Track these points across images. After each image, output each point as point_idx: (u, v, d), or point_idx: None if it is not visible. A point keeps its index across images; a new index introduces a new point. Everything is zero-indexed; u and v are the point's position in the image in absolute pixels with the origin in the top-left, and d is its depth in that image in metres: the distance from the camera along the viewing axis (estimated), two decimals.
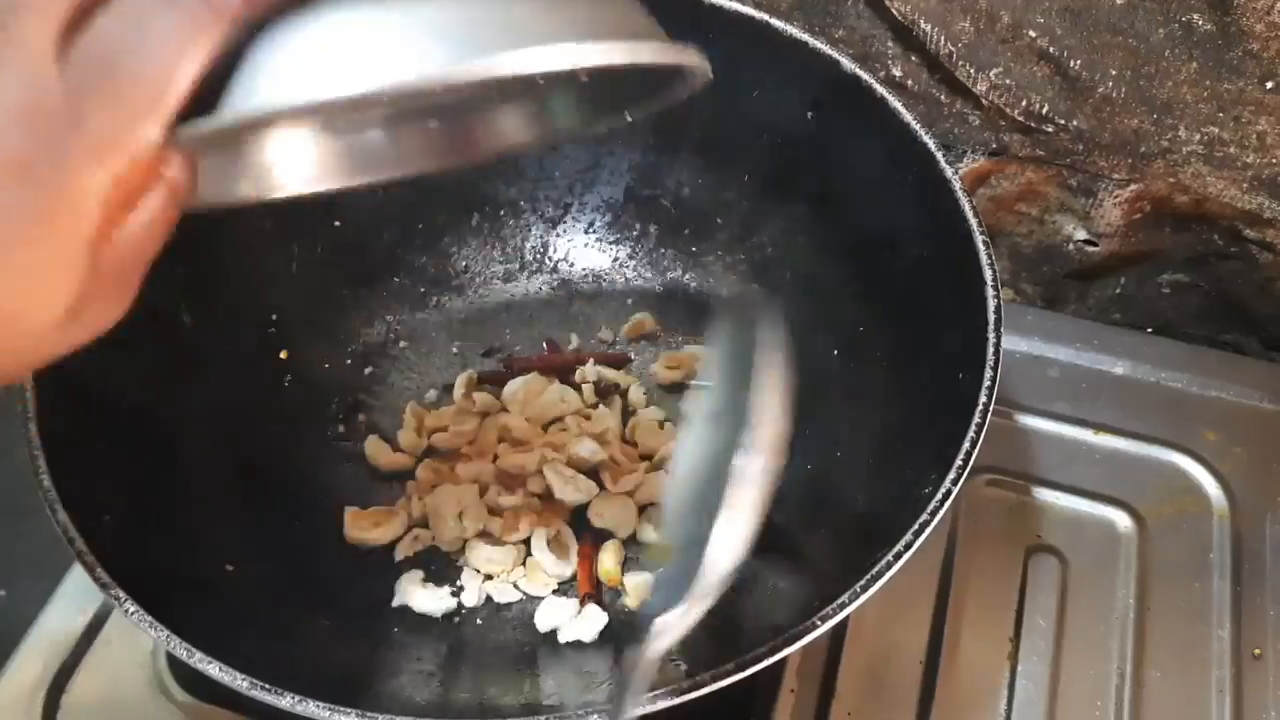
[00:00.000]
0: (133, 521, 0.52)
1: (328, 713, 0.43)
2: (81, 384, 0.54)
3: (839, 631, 0.63)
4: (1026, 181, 0.76)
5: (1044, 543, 0.68)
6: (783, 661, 0.59)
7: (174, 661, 0.62)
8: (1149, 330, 0.81)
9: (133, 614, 0.45)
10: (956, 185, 0.56)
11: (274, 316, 0.68)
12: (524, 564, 0.63)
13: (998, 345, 0.52)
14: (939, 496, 0.48)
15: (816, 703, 0.61)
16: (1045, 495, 0.70)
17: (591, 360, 0.71)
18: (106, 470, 0.53)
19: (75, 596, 0.64)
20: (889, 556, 0.46)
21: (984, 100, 0.71)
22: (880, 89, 0.60)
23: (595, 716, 0.43)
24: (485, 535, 0.64)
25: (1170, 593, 0.65)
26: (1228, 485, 0.70)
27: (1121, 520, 0.69)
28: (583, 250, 0.75)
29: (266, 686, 0.43)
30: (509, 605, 0.62)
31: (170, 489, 0.57)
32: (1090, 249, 0.79)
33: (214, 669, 0.44)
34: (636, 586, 0.61)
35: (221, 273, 0.64)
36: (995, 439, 0.64)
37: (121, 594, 0.46)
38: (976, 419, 0.50)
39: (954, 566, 0.66)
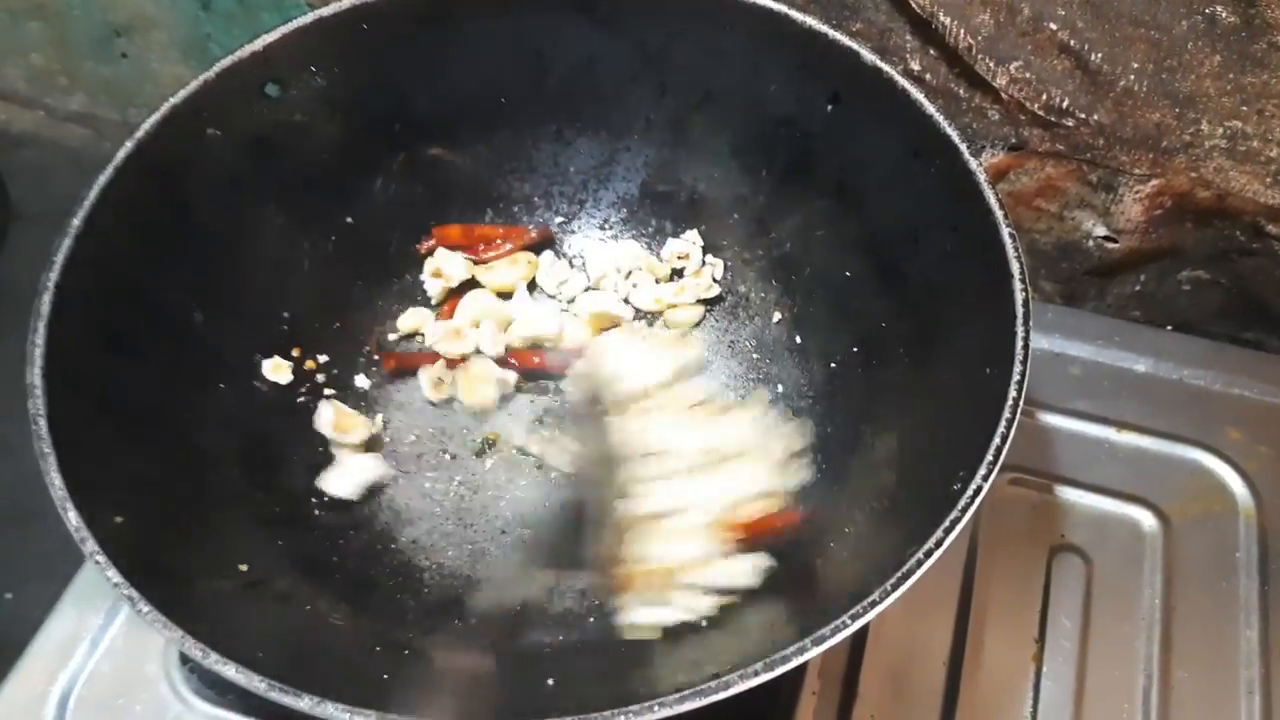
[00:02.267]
0: (144, 522, 0.51)
1: (347, 714, 0.42)
2: (92, 382, 0.53)
3: (861, 633, 0.62)
4: (1046, 177, 0.75)
5: (1068, 542, 0.67)
6: (804, 663, 0.59)
7: (186, 663, 0.61)
8: (1169, 328, 0.80)
9: (146, 614, 0.44)
10: (981, 177, 0.56)
11: (286, 314, 0.67)
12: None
13: (1027, 339, 0.51)
14: (969, 493, 0.47)
15: (839, 704, 0.60)
16: (1068, 494, 0.69)
17: None
18: (118, 471, 0.52)
19: (83, 599, 0.64)
20: (919, 554, 0.46)
21: (1003, 94, 0.70)
22: (902, 80, 0.59)
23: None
24: None
25: (1197, 592, 0.64)
26: (1253, 483, 0.69)
27: (1146, 519, 0.68)
28: (597, 245, 0.74)
29: (285, 688, 0.43)
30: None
31: (182, 489, 0.56)
32: (1110, 245, 0.78)
33: (230, 670, 0.43)
34: None
35: (233, 270, 0.63)
36: (1017, 438, 0.63)
37: (135, 594, 0.45)
38: (1007, 414, 0.49)
39: (977, 567, 0.65)
